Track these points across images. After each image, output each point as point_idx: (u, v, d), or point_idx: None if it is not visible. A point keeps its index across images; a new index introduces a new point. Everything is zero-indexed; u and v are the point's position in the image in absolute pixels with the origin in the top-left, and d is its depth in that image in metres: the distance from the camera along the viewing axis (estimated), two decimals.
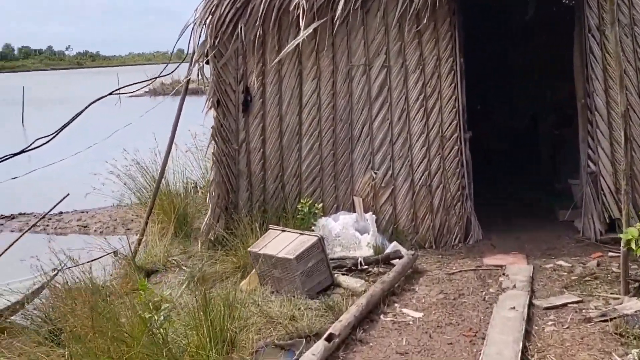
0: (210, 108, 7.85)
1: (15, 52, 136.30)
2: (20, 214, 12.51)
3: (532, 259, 7.28)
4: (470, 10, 8.34)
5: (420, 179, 7.84)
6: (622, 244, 5.65)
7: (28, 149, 5.29)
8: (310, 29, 7.54)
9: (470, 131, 7.96)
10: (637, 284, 5.89)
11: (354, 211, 7.86)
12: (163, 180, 9.31)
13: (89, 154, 9.40)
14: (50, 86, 60.72)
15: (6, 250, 8.37)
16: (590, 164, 7.67)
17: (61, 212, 12.18)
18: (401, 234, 7.85)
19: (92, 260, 7.71)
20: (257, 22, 7.66)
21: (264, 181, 8.01)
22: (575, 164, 8.43)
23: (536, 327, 5.47)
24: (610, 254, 7.19)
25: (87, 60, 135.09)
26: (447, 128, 7.79)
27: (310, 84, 7.83)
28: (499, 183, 10.33)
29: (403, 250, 7.16)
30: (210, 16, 7.73)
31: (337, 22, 7.59)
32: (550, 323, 5.54)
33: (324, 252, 6.51)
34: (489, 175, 9.67)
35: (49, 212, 8.80)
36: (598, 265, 6.93)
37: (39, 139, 5.60)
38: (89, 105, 6.11)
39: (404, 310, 6.01)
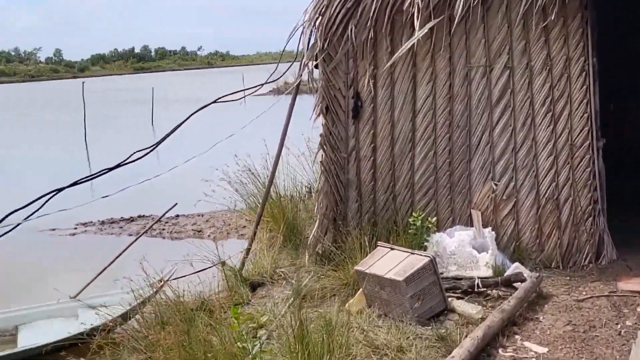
0: (319, 115, 7.48)
1: (152, 53, 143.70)
2: (139, 216, 12.76)
3: None
4: (604, 4, 7.45)
5: (546, 191, 7.11)
6: None
7: (124, 162, 5.12)
8: (425, 29, 6.99)
9: (603, 139, 7.13)
10: None
11: (471, 226, 7.25)
12: (273, 187, 9.11)
13: (202, 159, 9.36)
14: (179, 86, 63.21)
15: (119, 255, 8.44)
16: None
17: (177, 215, 12.30)
18: (524, 252, 7.16)
19: (199, 272, 7.56)
20: (369, 23, 7.20)
21: (374, 192, 7.55)
22: None
23: None
24: None
25: (217, 60, 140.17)
26: (578, 135, 7.02)
27: (424, 87, 7.28)
28: (634, 194, 9.31)
29: (526, 272, 6.47)
30: (320, 17, 7.35)
31: (455, 21, 6.99)
32: None
33: (436, 274, 5.97)
34: (621, 184, 8.70)
35: (159, 218, 8.80)
36: None
37: (137, 151, 5.43)
38: (190, 115, 5.91)
39: (526, 344, 5.37)
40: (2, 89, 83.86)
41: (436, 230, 7.23)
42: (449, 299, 6.13)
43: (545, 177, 7.10)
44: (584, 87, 6.97)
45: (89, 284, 7.98)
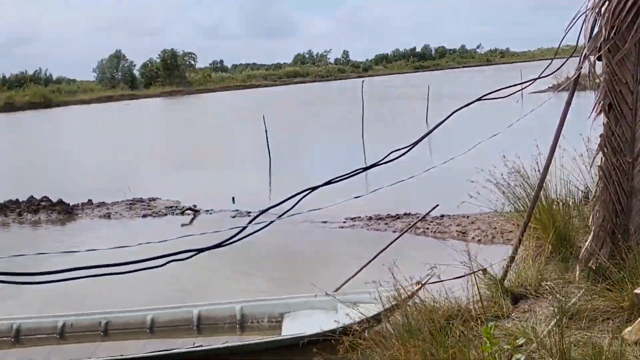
0: (600, 113, 6.63)
1: (432, 52, 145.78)
2: (405, 214, 12.70)
3: None
4: None
5: None
6: None
7: (380, 162, 4.94)
8: None
9: None
10: None
11: None
12: (543, 191, 8.36)
13: (468, 159, 8.96)
14: (454, 83, 62.97)
15: (380, 252, 8.39)
16: None
17: (442, 215, 12.01)
18: None
19: (457, 278, 7.17)
20: None
21: None
22: None
23: None
24: None
25: (497, 57, 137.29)
26: None
27: None
28: None
29: None
30: (607, 2, 6.49)
31: None
32: None
33: None
34: None
35: (421, 218, 8.56)
36: None
37: (394, 151, 5.22)
38: (451, 113, 5.55)
39: None
40: (296, 88, 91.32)
41: None
42: None
43: None
44: None
45: (349, 279, 8.04)
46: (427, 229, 11.38)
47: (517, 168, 8.78)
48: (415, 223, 8.98)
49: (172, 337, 7.91)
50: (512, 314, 6.70)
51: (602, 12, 6.51)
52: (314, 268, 10.41)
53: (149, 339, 7.92)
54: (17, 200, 17.03)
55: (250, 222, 4.44)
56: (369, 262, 7.96)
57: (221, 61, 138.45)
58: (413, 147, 5.10)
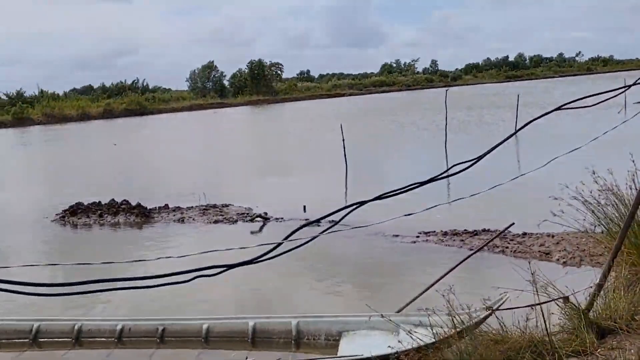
0: None
1: (527, 61, 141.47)
2: (484, 230, 11.89)
3: None
4: None
5: None
6: None
7: (439, 177, 4.34)
8: None
9: None
10: None
11: None
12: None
13: (551, 174, 8.16)
14: (545, 93, 60.84)
15: (449, 272, 7.73)
16: None
17: (524, 233, 11.15)
18: None
19: (534, 305, 6.41)
20: None
21: None
22: None
23: None
24: None
25: (599, 65, 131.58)
26: None
27: None
28: None
29: None
30: None
31: None
32: None
33: None
34: None
35: (496, 236, 7.83)
36: None
37: (457, 164, 4.60)
38: (526, 124, 4.88)
39: None
40: (382, 97, 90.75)
41: None
42: None
43: None
44: None
45: (414, 299, 7.41)
46: (507, 247, 10.54)
47: (609, 185, 7.91)
48: (490, 241, 8.25)
49: (226, 348, 7.72)
50: (597, 351, 5.90)
51: None
52: (378, 284, 9.80)
53: (203, 348, 7.76)
54: (100, 202, 17.55)
55: (286, 238, 3.95)
56: (435, 282, 7.31)
57: (308, 71, 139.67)
58: (477, 161, 4.47)
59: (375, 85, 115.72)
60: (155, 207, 17.04)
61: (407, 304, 7.38)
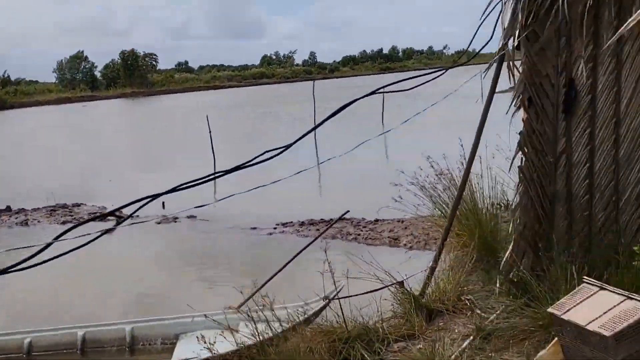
0: (519, 108, 5.96)
1: (400, 54, 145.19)
2: (342, 219, 11.94)
3: None
4: None
5: None
6: None
7: (246, 164, 4.20)
8: None
9: None
10: None
11: None
12: (471, 194, 7.72)
13: (393, 160, 8.25)
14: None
15: (285, 265, 7.67)
16: None
17: (377, 220, 11.31)
18: None
19: (369, 292, 6.45)
20: None
21: (589, 208, 5.84)
22: None
23: None
24: None
25: (465, 57, 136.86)
26: None
27: None
28: None
29: None
30: None
31: None
32: None
33: None
34: None
35: (330, 225, 7.83)
36: None
37: (268, 151, 4.48)
38: (341, 108, 4.82)
39: None
40: (261, 89, 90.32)
41: None
42: None
43: None
44: None
45: (254, 293, 7.27)
46: (359, 235, 10.67)
47: (443, 169, 8.12)
48: (327, 229, 8.29)
49: None
50: (425, 333, 6.01)
51: None
52: (223, 279, 9.61)
53: None
54: None
55: (57, 238, 3.66)
56: (275, 274, 7.21)
57: (186, 62, 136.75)
58: (287, 148, 4.37)
59: (255, 77, 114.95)
60: None
61: (247, 299, 7.22)
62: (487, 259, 7.04)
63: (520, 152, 5.97)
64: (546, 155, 5.92)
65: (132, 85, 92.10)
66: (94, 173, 23.00)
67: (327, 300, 6.50)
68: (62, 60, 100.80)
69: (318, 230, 11.36)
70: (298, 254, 7.24)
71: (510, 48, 5.94)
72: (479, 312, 6.06)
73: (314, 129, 4.49)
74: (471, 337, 5.59)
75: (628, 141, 5.62)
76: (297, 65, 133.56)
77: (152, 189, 4.77)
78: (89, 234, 4.09)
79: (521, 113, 5.99)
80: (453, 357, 5.23)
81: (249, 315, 5.90)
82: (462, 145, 7.48)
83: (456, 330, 5.94)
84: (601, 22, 5.58)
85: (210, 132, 21.55)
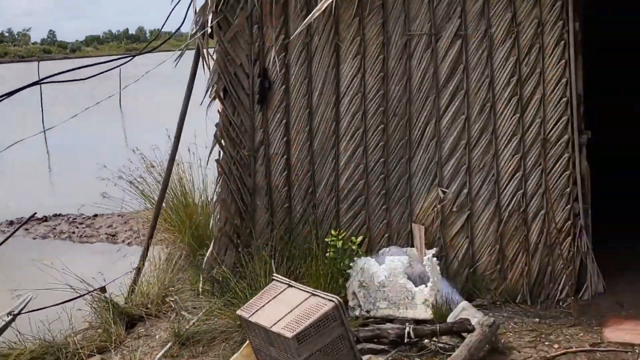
0: (214, 99, 5.70)
1: (147, 34, 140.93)
2: (55, 215, 10.95)
3: None
4: None
5: (510, 201, 5.35)
6: None
7: None
8: None
9: (588, 131, 5.34)
10: None
11: (412, 245, 5.51)
12: (180, 184, 7.37)
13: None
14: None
15: None
16: None
17: (95, 215, 10.54)
18: (480, 282, 5.42)
19: (64, 303, 5.80)
20: None
21: (289, 199, 5.78)
22: None
23: None
24: None
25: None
26: (553, 128, 5.24)
27: (350, 63, 5.49)
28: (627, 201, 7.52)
29: (475, 317, 4.70)
30: None
31: None
32: None
33: (344, 326, 4.20)
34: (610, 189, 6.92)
35: (22, 224, 7.05)
36: None
37: None
38: None
39: None
40: None
41: (368, 252, 5.53)
42: (367, 358, 4.42)
43: (509, 183, 5.34)
44: (562, 62, 5.18)
45: None
46: (73, 233, 9.83)
47: (152, 162, 7.67)
48: (20, 227, 7.51)
49: None
50: (124, 343, 5.54)
51: None
52: None
53: None
54: None
55: None
56: None
57: None
58: None
59: None
60: None
61: None
62: (197, 255, 6.74)
63: (218, 145, 5.72)
64: (244, 147, 5.74)
65: None
66: None
67: (12, 317, 5.74)
68: None
69: (27, 230, 10.26)
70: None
71: (203, 34, 5.64)
72: (184, 314, 5.74)
73: None
74: (169, 344, 5.24)
75: (321, 133, 5.63)
76: (35, 43, 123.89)
77: None
78: None
79: (217, 104, 5.73)
80: None
81: None
82: (169, 136, 7.06)
83: (157, 337, 5.56)
84: (290, 11, 5.49)
85: None
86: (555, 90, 5.20)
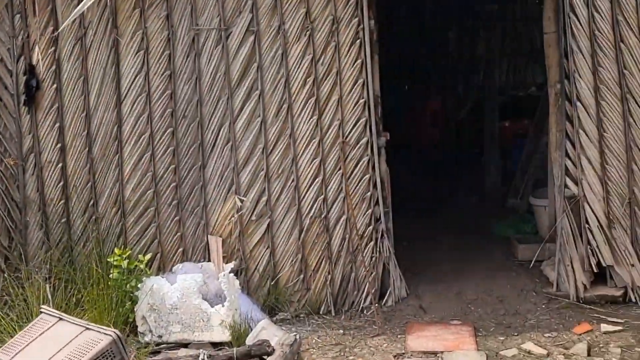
0: None
1: None
2: None
3: (484, 335, 4.64)
4: None
5: (311, 208, 5.05)
6: None
7: None
8: None
9: (387, 133, 5.20)
10: None
11: (210, 259, 5.05)
12: None
13: None
14: None
15: None
16: (570, 183, 5.01)
17: None
18: (283, 294, 5.08)
19: None
20: None
21: (66, 214, 5.08)
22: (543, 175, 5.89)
23: None
24: (604, 327, 4.59)
25: None
26: (352, 130, 5.02)
27: (132, 60, 4.92)
28: (424, 200, 7.67)
29: (275, 335, 4.33)
30: None
31: None
32: None
33: None
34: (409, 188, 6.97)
35: None
36: (589, 351, 4.31)
37: None
38: None
39: None
40: None
41: (158, 270, 4.98)
42: None
43: (310, 188, 5.05)
44: (358, 61, 4.98)
45: None
46: None
47: None
48: None
49: None
50: None
51: None
52: None
53: None
54: None
55: None
56: None
57: None
58: None
59: None
60: None
61: None
62: None
63: None
64: (10, 156, 4.95)
65: None
66: None
67: None
68: None
69: None
70: None
71: None
72: None
73: None
74: None
75: (101, 138, 5.00)
76: None
77: None
78: None
79: None
80: None
81: None
82: None
83: None
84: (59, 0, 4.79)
85: None
86: (353, 91, 4.98)
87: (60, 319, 3.92)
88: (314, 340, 4.67)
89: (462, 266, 5.80)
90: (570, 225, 4.98)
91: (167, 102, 4.94)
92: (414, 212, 7.02)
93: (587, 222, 4.94)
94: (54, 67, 4.89)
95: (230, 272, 4.72)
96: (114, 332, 3.63)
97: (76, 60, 4.89)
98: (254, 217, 5.04)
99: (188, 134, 4.99)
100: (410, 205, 6.88)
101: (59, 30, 4.78)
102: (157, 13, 4.85)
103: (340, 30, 4.92)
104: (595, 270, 4.96)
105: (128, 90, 4.92)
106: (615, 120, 4.84)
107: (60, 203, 5.05)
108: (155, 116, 4.95)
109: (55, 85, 4.91)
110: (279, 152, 4.99)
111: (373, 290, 5.09)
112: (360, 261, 5.10)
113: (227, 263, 4.95)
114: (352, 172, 5.04)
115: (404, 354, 4.45)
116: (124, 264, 4.66)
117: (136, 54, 4.88)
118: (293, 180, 5.02)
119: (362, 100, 4.99)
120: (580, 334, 4.52)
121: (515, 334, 4.60)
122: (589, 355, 4.24)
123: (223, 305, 4.57)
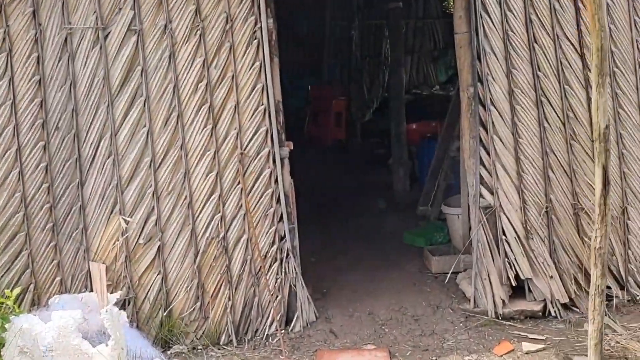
0: None
1: None
2: None
3: None
4: None
5: (207, 227, 4.53)
6: None
7: None
8: None
9: (290, 142, 4.74)
10: None
11: (92, 288, 4.44)
12: None
13: None
14: None
15: None
16: (485, 193, 4.71)
17: None
18: (178, 325, 4.53)
19: None
20: None
21: None
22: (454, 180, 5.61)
23: None
24: (526, 345, 4.32)
25: None
26: (251, 140, 4.54)
27: None
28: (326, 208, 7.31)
29: None
30: None
31: None
32: None
33: None
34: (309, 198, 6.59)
35: None
36: None
37: None
38: None
39: None
40: None
41: (32, 304, 4.33)
42: None
43: (205, 205, 4.52)
44: (256, 64, 4.49)
45: None
46: None
47: None
48: None
49: None
50: None
51: None
52: None
53: None
54: None
55: None
56: None
57: None
58: None
59: None
60: None
61: None
62: None
63: None
64: None
65: None
66: None
67: None
68: None
69: None
70: None
71: None
72: None
73: None
74: None
75: None
76: None
77: None
78: None
79: None
80: None
81: None
82: None
83: None
84: None
85: None
86: (251, 97, 4.51)
87: None
88: None
89: (374, 281, 5.43)
90: (486, 237, 4.70)
91: (37, 111, 4.29)
92: (320, 218, 6.65)
93: (504, 233, 4.68)
94: None
95: (115, 304, 4.15)
96: None
97: None
98: (141, 240, 4.46)
99: (63, 147, 4.36)
100: (315, 210, 6.52)
101: None
102: (21, 9, 4.21)
103: (235, 29, 4.43)
104: (513, 284, 4.69)
105: None
106: (530, 126, 4.59)
107: None
108: (23, 128, 4.29)
109: None
110: (168, 166, 4.45)
111: (279, 316, 4.64)
112: (264, 284, 4.63)
113: (112, 293, 4.37)
114: (252, 187, 4.56)
115: None
116: None
117: None
118: (186, 198, 4.48)
119: (261, 107, 4.52)
120: (501, 355, 4.24)
121: (434, 357, 4.26)
122: None
123: (107, 345, 3.99)
